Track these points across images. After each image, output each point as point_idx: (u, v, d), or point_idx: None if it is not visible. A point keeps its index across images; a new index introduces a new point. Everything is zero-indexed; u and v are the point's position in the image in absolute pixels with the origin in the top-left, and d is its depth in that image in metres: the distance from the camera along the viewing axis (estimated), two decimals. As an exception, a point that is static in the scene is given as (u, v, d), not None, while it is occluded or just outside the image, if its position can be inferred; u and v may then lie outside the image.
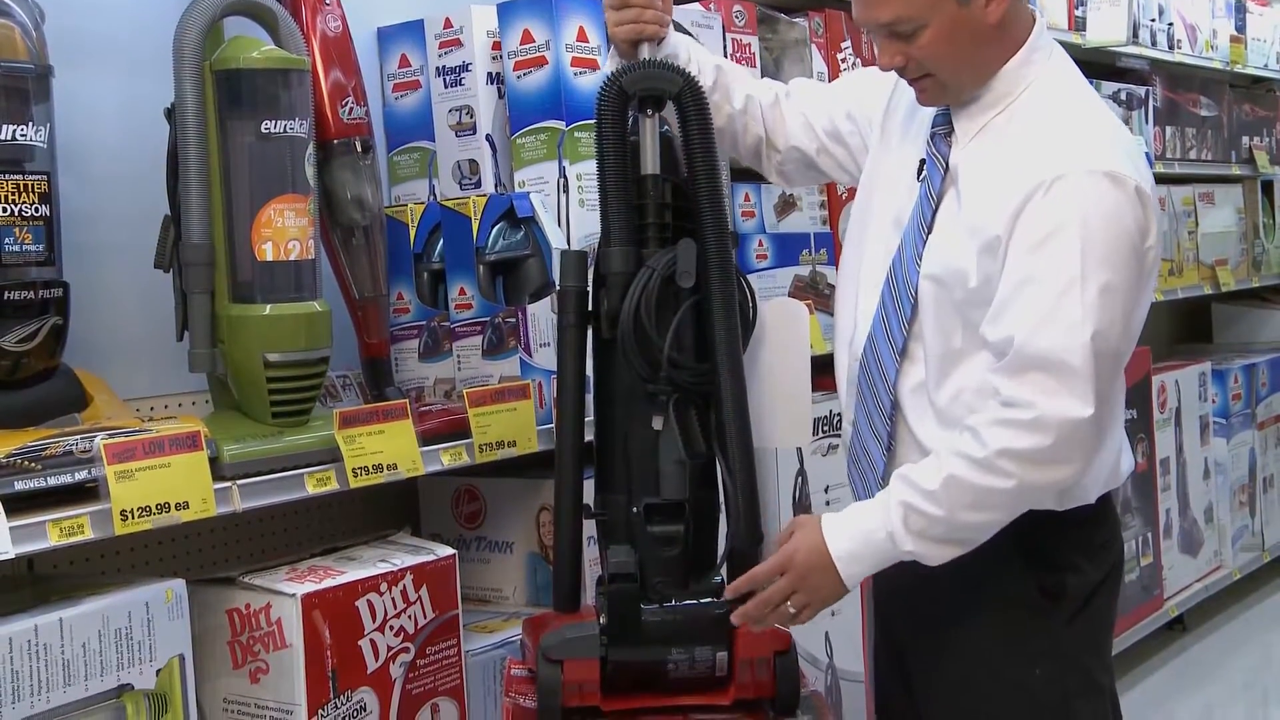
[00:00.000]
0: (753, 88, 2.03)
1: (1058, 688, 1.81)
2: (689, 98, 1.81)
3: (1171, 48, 4.43)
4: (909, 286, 1.78)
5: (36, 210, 1.70)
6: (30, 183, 1.69)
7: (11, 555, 1.55)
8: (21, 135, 1.69)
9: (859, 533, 1.72)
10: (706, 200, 1.81)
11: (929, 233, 1.78)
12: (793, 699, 1.78)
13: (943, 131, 1.81)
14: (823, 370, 2.45)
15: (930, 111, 1.85)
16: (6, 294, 1.69)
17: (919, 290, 1.77)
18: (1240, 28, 4.93)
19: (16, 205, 1.68)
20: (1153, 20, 4.31)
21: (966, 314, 1.74)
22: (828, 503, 2.69)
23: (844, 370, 1.92)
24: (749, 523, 1.81)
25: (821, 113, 2.02)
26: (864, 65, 2.79)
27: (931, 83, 1.77)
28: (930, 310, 1.76)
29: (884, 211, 1.87)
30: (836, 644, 2.74)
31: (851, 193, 2.84)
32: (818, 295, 2.73)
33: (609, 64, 1.93)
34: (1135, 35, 4.18)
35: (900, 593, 1.79)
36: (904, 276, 1.79)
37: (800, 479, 2.64)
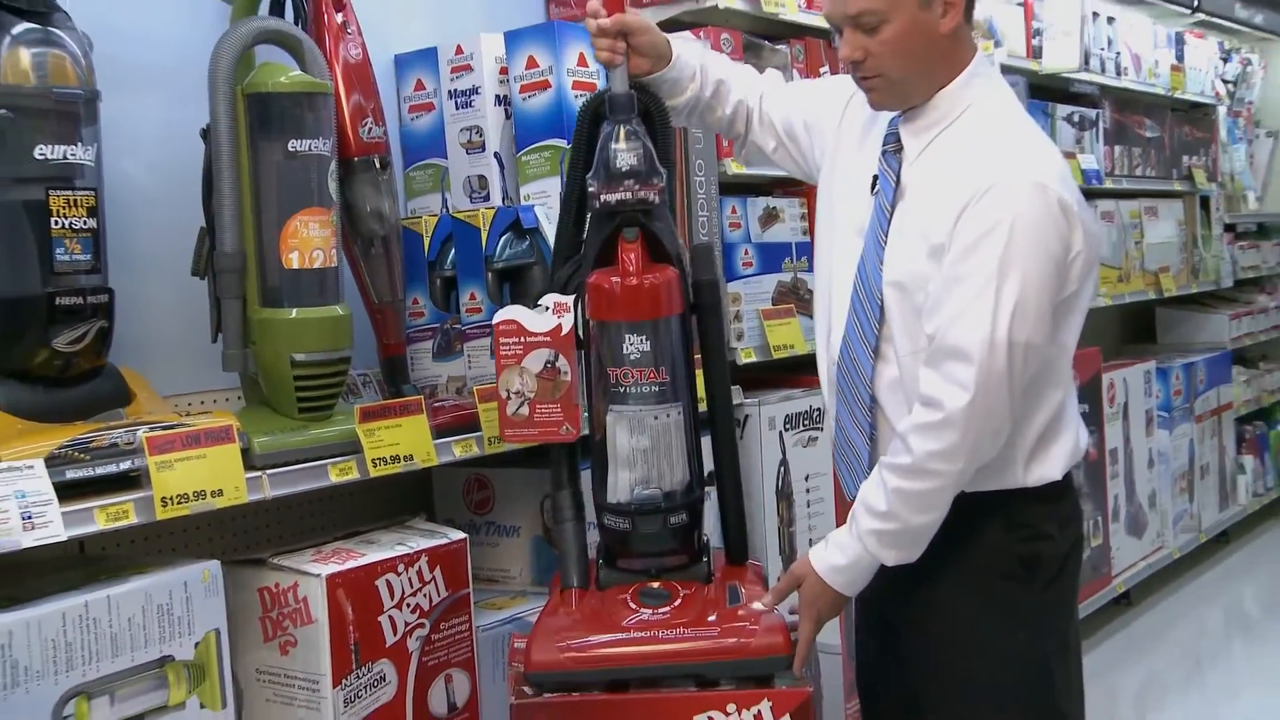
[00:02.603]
0: (745, 92, 2.06)
1: (1038, 650, 1.83)
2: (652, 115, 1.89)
3: (1119, 74, 4.45)
4: (875, 291, 1.80)
5: (85, 223, 1.70)
6: (79, 198, 1.69)
7: (64, 538, 1.55)
8: (72, 154, 1.69)
9: (849, 567, 1.79)
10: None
11: (886, 241, 1.80)
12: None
13: (893, 149, 1.83)
14: (804, 368, 2.46)
15: (881, 129, 1.87)
16: (58, 300, 1.68)
17: (884, 296, 1.79)
18: (1180, 57, 4.96)
19: (67, 219, 1.68)
20: (1102, 49, 4.34)
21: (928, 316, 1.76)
22: (808, 490, 2.69)
23: (824, 372, 1.93)
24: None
25: (782, 117, 2.05)
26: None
27: (883, 82, 1.79)
28: (896, 314, 1.78)
29: (846, 221, 1.89)
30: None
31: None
32: (799, 300, 2.74)
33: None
34: (1087, 63, 4.20)
35: (889, 572, 1.81)
36: (869, 282, 1.81)
37: (783, 468, 2.65)
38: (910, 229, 1.77)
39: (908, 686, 1.90)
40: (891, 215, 1.80)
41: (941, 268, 1.71)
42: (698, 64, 1.98)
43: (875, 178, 1.84)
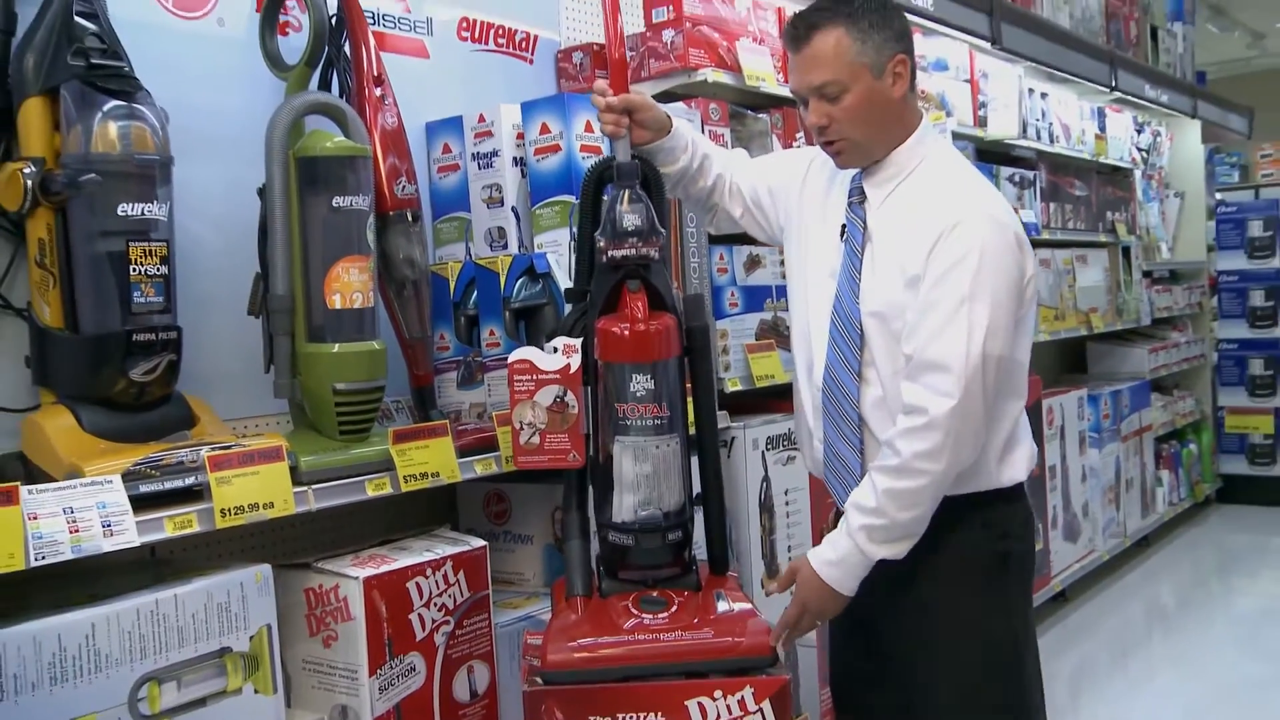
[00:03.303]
0: (722, 167, 2.09)
1: (1012, 637, 1.84)
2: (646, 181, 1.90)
3: (1052, 141, 4.51)
4: (854, 322, 1.81)
5: (158, 270, 1.71)
6: (154, 248, 1.70)
7: (138, 544, 1.55)
8: (148, 211, 1.70)
9: (841, 562, 1.78)
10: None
11: (859, 278, 1.82)
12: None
13: (858, 200, 1.86)
14: (784, 396, 2.47)
15: (844, 186, 1.89)
16: (134, 336, 1.70)
17: (864, 325, 1.81)
18: (1102, 128, 5.03)
19: (143, 266, 1.69)
20: (1038, 120, 4.39)
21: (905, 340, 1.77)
22: (787, 503, 2.69)
23: (808, 399, 1.93)
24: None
25: (749, 186, 2.08)
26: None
27: (847, 144, 1.82)
28: (877, 340, 1.80)
29: (818, 267, 1.90)
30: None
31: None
32: (778, 336, 2.74)
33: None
34: (1025, 131, 4.25)
35: (875, 572, 1.80)
36: (846, 314, 1.83)
37: (765, 484, 2.64)
38: (883, 265, 1.79)
39: (891, 679, 1.88)
40: (862, 256, 1.82)
41: (917, 295, 1.74)
42: (690, 138, 2.01)
43: (844, 226, 1.86)
